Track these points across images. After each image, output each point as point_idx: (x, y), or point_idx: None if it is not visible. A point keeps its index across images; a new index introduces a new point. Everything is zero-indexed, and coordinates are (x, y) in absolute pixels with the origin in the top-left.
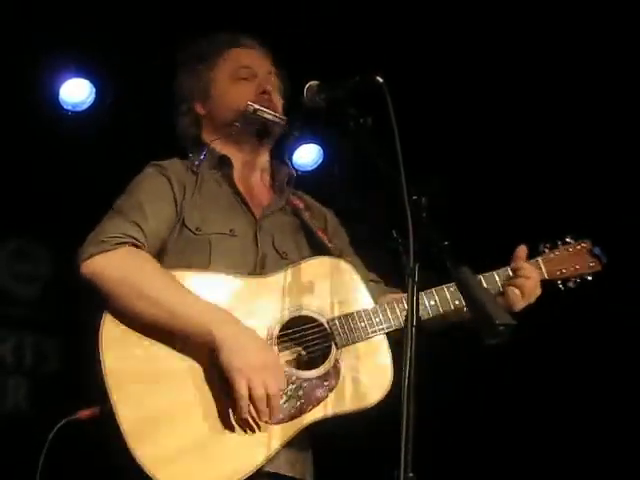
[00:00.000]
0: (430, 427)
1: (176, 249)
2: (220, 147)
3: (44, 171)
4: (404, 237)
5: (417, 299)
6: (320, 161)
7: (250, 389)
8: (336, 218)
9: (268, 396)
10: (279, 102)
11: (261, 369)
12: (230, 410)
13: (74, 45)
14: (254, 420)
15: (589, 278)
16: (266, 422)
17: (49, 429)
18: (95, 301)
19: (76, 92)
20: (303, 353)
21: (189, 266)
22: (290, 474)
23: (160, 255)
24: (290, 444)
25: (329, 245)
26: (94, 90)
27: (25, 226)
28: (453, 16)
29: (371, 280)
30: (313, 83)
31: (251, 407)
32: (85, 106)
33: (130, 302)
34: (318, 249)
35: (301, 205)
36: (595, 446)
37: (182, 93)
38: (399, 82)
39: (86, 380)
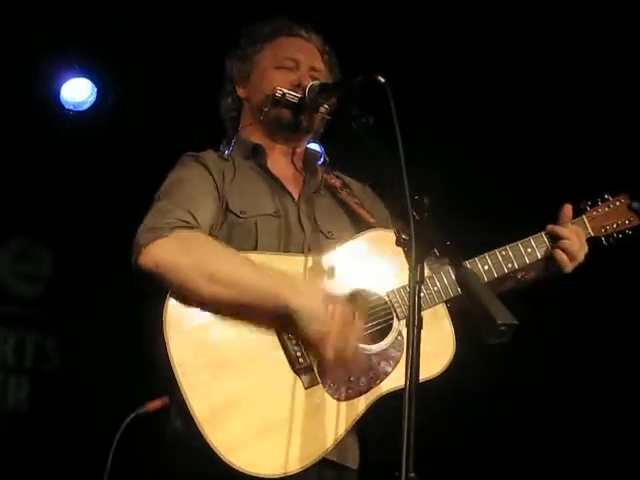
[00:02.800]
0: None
1: (222, 235)
2: (254, 135)
3: (45, 170)
4: (407, 237)
5: (419, 299)
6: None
7: (337, 351)
8: (371, 191)
9: (354, 355)
10: None
11: (345, 330)
12: (301, 388)
13: (76, 44)
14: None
15: (629, 233)
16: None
17: (50, 427)
18: (153, 290)
19: (77, 92)
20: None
21: (237, 250)
22: (336, 459)
23: None
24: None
25: (371, 220)
26: (95, 90)
27: (27, 225)
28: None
29: None
30: (315, 83)
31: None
32: (86, 106)
33: (200, 285)
34: (361, 226)
35: (338, 184)
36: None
37: (228, 74)
38: (401, 82)
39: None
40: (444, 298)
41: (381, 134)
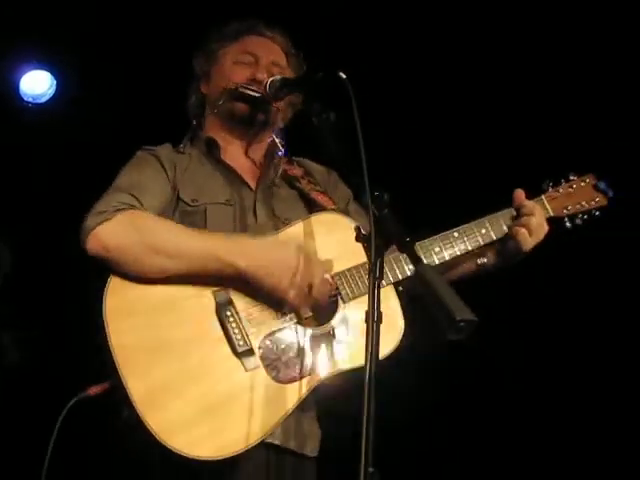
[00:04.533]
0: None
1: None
2: (211, 129)
3: (3, 164)
4: (366, 232)
5: (379, 295)
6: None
7: (296, 289)
8: (336, 175)
9: (316, 285)
10: None
11: (296, 274)
12: (243, 370)
13: (34, 36)
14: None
15: (596, 213)
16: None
17: (13, 421)
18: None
19: (37, 84)
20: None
21: None
22: (284, 445)
23: None
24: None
25: (329, 207)
26: (55, 82)
27: None
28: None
29: None
30: (276, 78)
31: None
32: (45, 98)
33: (146, 260)
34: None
35: (299, 173)
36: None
37: (194, 71)
38: (364, 77)
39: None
40: (391, 280)
41: (344, 130)
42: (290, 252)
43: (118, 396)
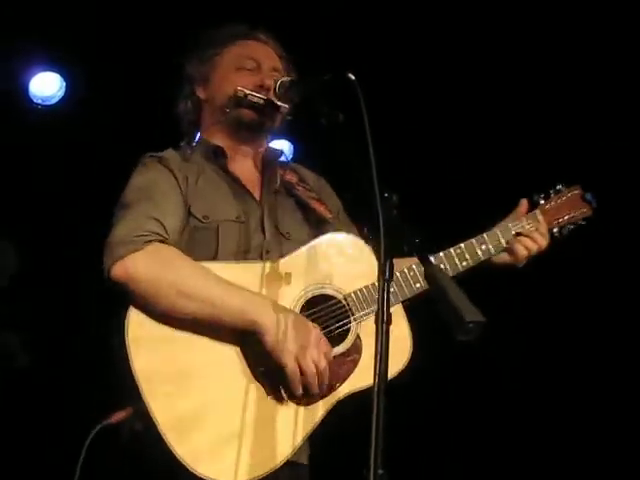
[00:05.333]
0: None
1: (184, 238)
2: (215, 136)
3: (12, 165)
4: (376, 234)
5: (388, 296)
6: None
7: (300, 367)
8: (325, 183)
9: (318, 370)
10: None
11: (307, 347)
12: (264, 396)
13: (44, 39)
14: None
15: (582, 223)
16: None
17: (15, 427)
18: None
19: (46, 86)
20: (324, 331)
21: (195, 255)
22: (293, 459)
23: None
24: None
25: (328, 216)
26: (64, 84)
27: None
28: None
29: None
30: (285, 79)
31: (303, 383)
32: (55, 100)
33: (169, 299)
34: (319, 224)
35: (294, 179)
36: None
37: (187, 75)
38: (373, 79)
39: (109, 380)
40: (400, 299)
41: (351, 131)
42: (307, 328)
43: (144, 424)
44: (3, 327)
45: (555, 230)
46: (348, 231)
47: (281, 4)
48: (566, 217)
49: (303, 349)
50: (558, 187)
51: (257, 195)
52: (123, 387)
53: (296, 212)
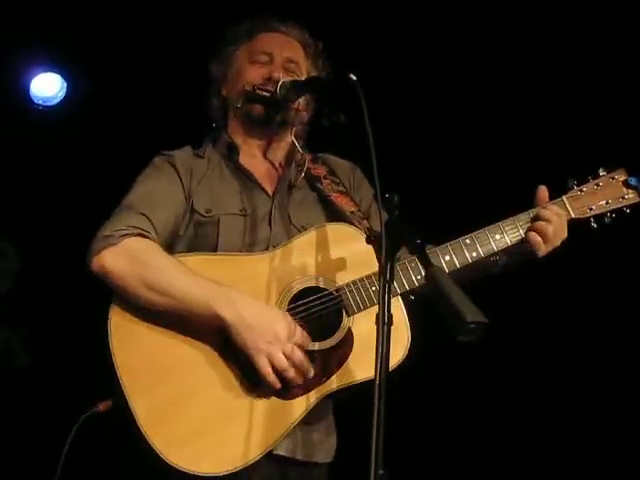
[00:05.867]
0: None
1: (187, 234)
2: (234, 132)
3: (14, 166)
4: (377, 234)
5: (389, 296)
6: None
7: (273, 363)
8: (360, 172)
9: (293, 363)
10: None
11: (277, 340)
12: (243, 388)
13: (45, 39)
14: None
15: (627, 211)
16: (296, 388)
17: (20, 423)
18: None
19: (47, 86)
20: (314, 325)
21: (197, 249)
22: (290, 455)
23: (173, 243)
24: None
25: (348, 212)
26: (65, 85)
27: None
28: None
29: None
30: (286, 80)
31: (279, 378)
32: (56, 100)
33: (139, 293)
34: (336, 218)
35: (322, 173)
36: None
37: (213, 75)
38: (374, 79)
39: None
40: (399, 291)
41: (353, 132)
42: (277, 319)
43: (123, 413)
44: (3, 327)
45: (592, 220)
46: (377, 220)
47: (281, 4)
48: (602, 204)
49: (274, 344)
50: (600, 172)
51: (271, 189)
52: (109, 377)
53: (316, 206)
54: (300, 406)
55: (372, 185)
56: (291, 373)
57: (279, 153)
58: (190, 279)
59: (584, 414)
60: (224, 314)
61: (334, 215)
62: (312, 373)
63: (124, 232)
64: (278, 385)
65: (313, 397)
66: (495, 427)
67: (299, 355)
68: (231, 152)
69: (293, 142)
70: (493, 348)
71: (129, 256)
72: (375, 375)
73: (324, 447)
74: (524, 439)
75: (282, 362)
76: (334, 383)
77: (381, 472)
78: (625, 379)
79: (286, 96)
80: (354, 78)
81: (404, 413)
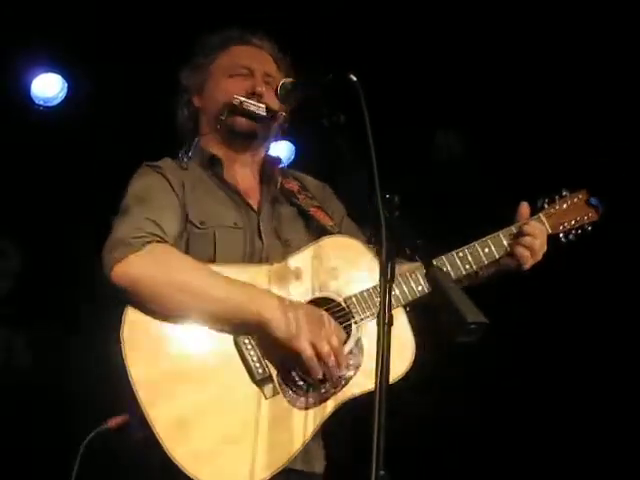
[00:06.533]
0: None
1: (181, 245)
2: (211, 144)
3: (14, 166)
4: (377, 236)
5: (390, 297)
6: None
7: (316, 349)
8: (330, 190)
9: (333, 349)
10: (274, 105)
11: (318, 328)
12: (262, 401)
13: (46, 40)
14: (325, 379)
15: (588, 228)
16: (333, 379)
17: (16, 427)
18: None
19: (48, 87)
20: None
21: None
22: (291, 467)
23: None
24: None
25: (328, 224)
26: (66, 85)
27: None
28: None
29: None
30: (287, 80)
31: (322, 365)
32: (57, 101)
33: (171, 299)
34: (319, 232)
35: (295, 187)
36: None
37: (183, 84)
38: (374, 79)
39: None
40: (402, 302)
41: (353, 132)
42: (315, 311)
43: (139, 428)
44: (4, 327)
45: (561, 235)
46: (352, 236)
47: (281, 4)
48: (572, 221)
49: (316, 332)
50: (563, 193)
51: (255, 203)
52: (121, 391)
53: (297, 220)
54: (316, 416)
55: (372, 185)
56: (332, 359)
57: (255, 167)
58: (226, 280)
59: (584, 414)
60: (268, 311)
61: (315, 229)
62: (345, 366)
63: (145, 239)
64: (320, 372)
65: (329, 407)
66: (495, 427)
67: (336, 341)
68: (214, 165)
69: (266, 156)
70: (493, 348)
71: (157, 261)
72: (375, 375)
73: (319, 458)
74: (524, 439)
75: (325, 347)
76: (350, 391)
77: (382, 473)
78: (625, 379)
79: (286, 97)
80: (354, 78)
81: (404, 413)
